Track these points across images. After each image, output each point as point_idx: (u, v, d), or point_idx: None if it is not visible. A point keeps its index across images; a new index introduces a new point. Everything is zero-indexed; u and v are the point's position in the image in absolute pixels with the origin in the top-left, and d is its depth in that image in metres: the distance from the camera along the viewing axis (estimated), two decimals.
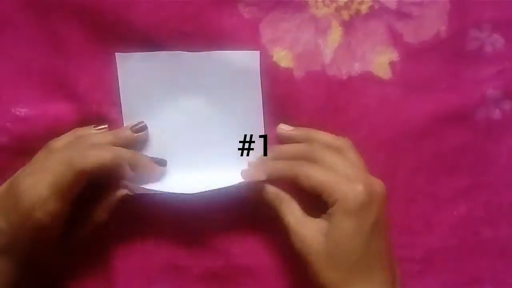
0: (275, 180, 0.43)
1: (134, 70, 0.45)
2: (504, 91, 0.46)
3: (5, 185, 0.42)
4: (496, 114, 0.46)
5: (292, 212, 0.41)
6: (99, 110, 0.46)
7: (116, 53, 0.45)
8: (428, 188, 0.46)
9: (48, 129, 0.45)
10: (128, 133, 0.45)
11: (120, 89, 0.46)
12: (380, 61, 0.46)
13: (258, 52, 0.45)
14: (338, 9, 0.46)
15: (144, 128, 0.46)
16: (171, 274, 0.45)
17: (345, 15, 0.46)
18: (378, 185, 0.40)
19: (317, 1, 0.46)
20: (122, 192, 0.44)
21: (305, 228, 0.40)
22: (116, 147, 0.43)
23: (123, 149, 0.43)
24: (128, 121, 0.46)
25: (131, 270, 0.45)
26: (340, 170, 0.40)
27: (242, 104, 0.45)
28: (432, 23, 0.46)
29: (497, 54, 0.46)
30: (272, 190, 0.43)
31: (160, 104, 0.46)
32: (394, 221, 0.45)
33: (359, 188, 0.39)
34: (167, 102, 0.46)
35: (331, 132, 0.45)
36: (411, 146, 0.46)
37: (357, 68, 0.46)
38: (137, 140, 0.45)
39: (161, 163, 0.45)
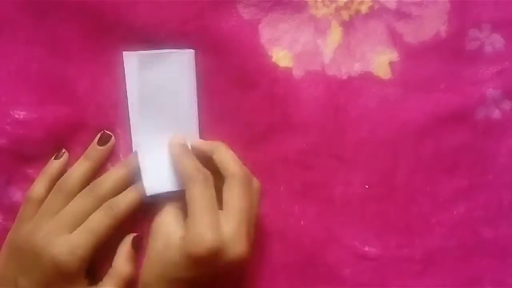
0: None
1: (141, 68, 0.45)
2: (504, 91, 0.46)
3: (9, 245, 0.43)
4: (496, 114, 0.46)
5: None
6: (98, 111, 0.46)
7: (123, 52, 0.45)
8: (428, 188, 0.46)
9: (47, 132, 0.45)
10: (97, 150, 0.45)
11: (127, 88, 0.45)
12: (380, 61, 0.46)
13: (193, 51, 0.45)
14: (337, 9, 0.46)
15: (108, 137, 0.45)
16: None
17: (345, 15, 0.46)
18: (240, 250, 0.40)
19: (317, 1, 0.46)
20: (130, 236, 0.44)
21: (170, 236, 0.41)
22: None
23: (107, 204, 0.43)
24: (135, 119, 0.45)
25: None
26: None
27: (177, 105, 0.45)
28: (431, 23, 0.46)
29: (497, 54, 0.46)
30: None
31: (165, 104, 0.46)
32: (394, 221, 0.46)
33: (209, 243, 0.38)
34: (172, 102, 0.46)
35: (331, 133, 0.46)
36: (411, 146, 0.46)
37: (357, 68, 0.46)
38: (108, 151, 0.45)
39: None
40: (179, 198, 0.42)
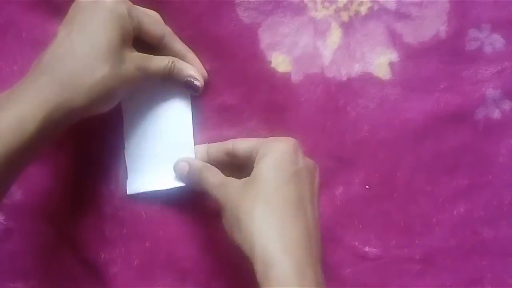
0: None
1: None
2: (504, 91, 0.46)
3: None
4: (496, 114, 0.46)
5: (213, 176, 0.42)
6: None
7: None
8: (428, 188, 0.46)
9: None
10: None
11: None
12: (380, 61, 0.46)
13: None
14: (337, 11, 0.46)
15: None
16: (171, 274, 0.45)
17: (344, 16, 0.46)
18: (309, 160, 0.41)
19: (316, 3, 0.46)
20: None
21: (226, 184, 0.40)
22: None
23: None
24: (127, 118, 0.46)
25: (131, 270, 0.45)
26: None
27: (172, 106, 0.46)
28: (431, 24, 0.46)
29: (497, 54, 0.46)
30: (190, 164, 0.44)
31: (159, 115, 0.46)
32: (394, 221, 0.46)
33: (288, 139, 0.40)
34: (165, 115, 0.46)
35: (331, 134, 0.46)
36: (411, 146, 0.46)
37: (356, 69, 0.46)
38: None
39: None
40: None
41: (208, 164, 0.43)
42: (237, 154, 0.42)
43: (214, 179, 0.42)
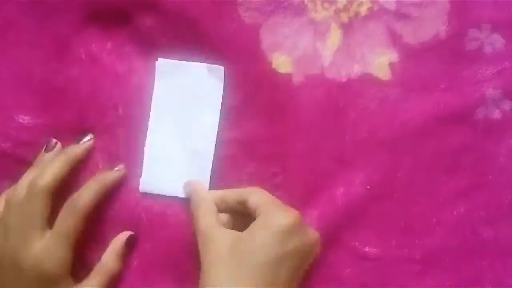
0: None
1: (171, 77, 0.46)
2: (504, 91, 0.46)
3: None
4: (496, 114, 0.46)
5: (204, 219, 0.41)
6: (98, 114, 0.46)
7: (158, 58, 0.46)
8: (428, 188, 0.46)
9: (51, 136, 0.46)
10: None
11: (153, 96, 0.46)
12: (380, 62, 0.46)
13: (223, 68, 0.46)
14: (337, 12, 0.46)
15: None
16: (171, 274, 0.46)
17: (344, 17, 0.46)
18: (312, 232, 0.41)
19: (316, 5, 0.46)
20: (125, 235, 0.45)
21: (211, 237, 0.40)
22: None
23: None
24: (155, 124, 0.46)
25: (131, 270, 0.46)
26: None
27: (201, 117, 0.46)
28: (431, 24, 0.46)
29: (497, 54, 0.46)
30: (194, 193, 0.44)
31: (188, 115, 0.47)
32: (394, 221, 0.46)
33: (292, 214, 0.39)
34: (194, 114, 0.47)
35: (332, 134, 0.46)
36: (411, 146, 0.46)
37: (356, 70, 0.46)
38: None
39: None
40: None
41: (208, 201, 0.43)
42: (247, 206, 0.41)
43: (202, 224, 0.41)
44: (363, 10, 0.46)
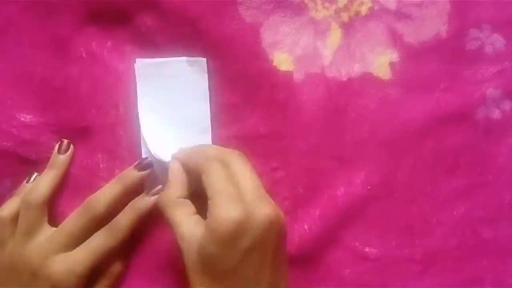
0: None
1: (152, 75, 0.46)
2: (504, 91, 0.46)
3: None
4: (496, 114, 0.46)
5: (184, 213, 0.40)
6: (100, 113, 0.46)
7: (136, 59, 0.46)
8: (428, 188, 0.46)
9: (52, 135, 0.46)
10: (135, 174, 0.44)
11: (138, 96, 0.46)
12: (380, 61, 0.46)
13: (205, 59, 0.45)
14: (337, 11, 0.46)
15: (150, 164, 0.44)
16: (171, 274, 0.45)
17: (345, 16, 0.46)
18: (261, 219, 0.37)
19: (316, 4, 0.46)
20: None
21: (188, 227, 0.39)
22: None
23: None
24: (146, 128, 0.45)
25: (131, 270, 0.46)
26: (238, 185, 0.38)
27: (191, 112, 0.46)
28: (432, 24, 0.46)
29: (497, 54, 0.46)
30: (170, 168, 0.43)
31: (176, 111, 0.46)
32: (394, 221, 0.46)
33: (233, 214, 0.36)
34: (183, 110, 0.46)
35: (332, 134, 0.46)
36: (411, 146, 0.46)
37: (357, 69, 0.46)
38: (144, 178, 0.44)
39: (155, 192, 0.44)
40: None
41: (177, 178, 0.42)
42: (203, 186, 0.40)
43: (181, 226, 0.39)
44: (364, 9, 0.46)
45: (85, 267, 0.42)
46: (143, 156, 0.45)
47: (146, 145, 0.45)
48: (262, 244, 0.37)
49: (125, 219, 0.43)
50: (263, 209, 0.37)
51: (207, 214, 0.38)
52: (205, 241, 0.37)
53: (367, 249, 0.45)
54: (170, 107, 0.46)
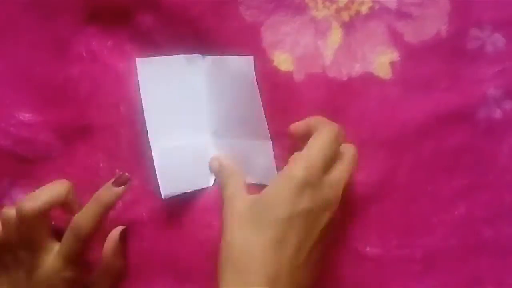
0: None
1: (154, 74, 0.46)
2: (505, 91, 0.45)
3: None
4: (497, 113, 0.46)
5: (232, 185, 0.43)
6: (98, 112, 0.46)
7: (136, 59, 0.45)
8: (428, 188, 0.46)
9: (52, 134, 0.46)
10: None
11: (141, 94, 0.45)
12: (381, 61, 0.46)
13: (252, 57, 0.45)
14: (338, 11, 0.46)
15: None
16: (171, 274, 0.45)
17: (345, 16, 0.46)
18: (330, 188, 0.39)
19: (317, 3, 0.46)
20: (117, 230, 0.44)
21: (233, 201, 0.41)
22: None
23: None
24: (152, 127, 0.45)
25: (131, 270, 0.46)
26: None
27: (245, 110, 0.46)
28: (432, 23, 0.46)
29: (498, 53, 0.46)
30: (220, 165, 0.45)
31: (181, 108, 0.46)
32: (394, 221, 0.46)
33: (299, 171, 0.38)
34: (187, 106, 0.46)
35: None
36: (411, 145, 0.46)
37: (357, 68, 0.46)
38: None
39: (123, 181, 0.43)
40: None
41: (238, 174, 0.44)
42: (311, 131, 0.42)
43: (228, 191, 0.42)
44: (364, 9, 0.46)
45: (69, 269, 0.42)
46: (155, 155, 0.45)
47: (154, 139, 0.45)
48: (319, 217, 0.39)
49: (89, 215, 0.42)
50: (336, 192, 0.40)
51: (283, 169, 0.39)
52: (277, 182, 0.39)
53: (367, 249, 0.45)
54: (174, 104, 0.46)
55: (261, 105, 0.45)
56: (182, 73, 0.46)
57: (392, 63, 0.46)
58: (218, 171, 0.46)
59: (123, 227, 0.44)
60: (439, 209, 0.46)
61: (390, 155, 0.46)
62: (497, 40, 0.46)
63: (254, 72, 0.44)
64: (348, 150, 0.42)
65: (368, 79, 0.46)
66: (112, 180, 0.43)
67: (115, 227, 0.45)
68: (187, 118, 0.46)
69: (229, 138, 0.46)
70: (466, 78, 0.46)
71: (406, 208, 0.46)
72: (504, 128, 0.46)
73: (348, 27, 0.46)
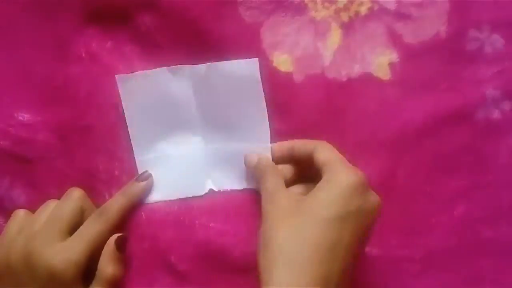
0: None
1: (136, 89, 0.45)
2: (504, 91, 0.46)
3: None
4: (496, 114, 0.46)
5: (271, 181, 0.42)
6: (98, 113, 0.46)
7: (116, 76, 0.45)
8: (428, 188, 0.46)
9: (51, 134, 0.46)
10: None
11: (124, 110, 0.46)
12: (380, 62, 0.47)
13: (257, 59, 0.45)
14: (337, 11, 0.46)
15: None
16: (171, 274, 0.45)
17: (345, 16, 0.46)
18: (374, 195, 0.40)
19: (317, 4, 0.46)
20: (113, 237, 0.44)
21: (276, 197, 0.40)
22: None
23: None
24: (137, 145, 0.46)
25: (130, 270, 0.45)
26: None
27: (246, 113, 0.46)
28: (431, 24, 0.46)
29: (497, 54, 0.46)
30: (259, 159, 0.45)
31: (167, 120, 0.46)
32: (394, 221, 0.46)
33: (358, 173, 0.39)
34: (174, 118, 0.46)
35: (332, 135, 0.46)
36: (411, 146, 0.46)
37: (356, 69, 0.46)
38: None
39: (145, 176, 0.46)
40: None
41: (274, 166, 0.44)
42: (314, 161, 0.42)
43: (270, 184, 0.42)
44: (363, 9, 0.46)
45: (81, 254, 0.42)
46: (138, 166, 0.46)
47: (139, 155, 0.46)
48: (368, 217, 0.39)
49: (116, 203, 0.44)
50: (377, 196, 0.40)
51: (325, 176, 0.39)
52: (328, 183, 0.39)
53: (367, 249, 0.45)
54: (160, 119, 0.46)
55: (265, 107, 0.45)
56: (166, 85, 0.45)
57: (391, 64, 0.46)
58: (255, 165, 0.45)
59: (119, 234, 0.44)
60: (439, 209, 0.46)
61: (390, 156, 0.46)
62: (496, 41, 0.46)
63: (259, 74, 0.45)
64: None
65: (367, 80, 0.46)
66: (135, 177, 0.45)
67: None
68: (174, 128, 0.46)
69: (225, 144, 0.46)
70: (465, 79, 0.46)
71: (406, 208, 0.46)
72: (503, 128, 0.46)
73: (348, 28, 0.46)
